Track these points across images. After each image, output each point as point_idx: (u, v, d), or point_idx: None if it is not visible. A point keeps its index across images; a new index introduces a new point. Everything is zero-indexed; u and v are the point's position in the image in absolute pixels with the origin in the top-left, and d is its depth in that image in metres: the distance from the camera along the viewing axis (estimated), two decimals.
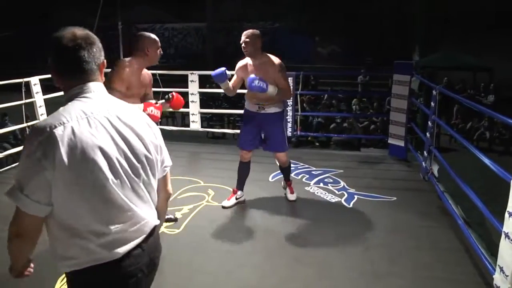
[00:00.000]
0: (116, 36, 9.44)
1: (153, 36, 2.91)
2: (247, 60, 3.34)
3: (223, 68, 3.31)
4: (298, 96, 5.64)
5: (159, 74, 5.75)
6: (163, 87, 5.91)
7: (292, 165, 4.73)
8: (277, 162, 3.71)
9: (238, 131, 7.49)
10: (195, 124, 5.75)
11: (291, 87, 3.31)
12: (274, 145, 3.47)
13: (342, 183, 4.20)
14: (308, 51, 17.29)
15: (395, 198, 3.82)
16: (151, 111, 2.86)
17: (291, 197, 3.71)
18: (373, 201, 3.78)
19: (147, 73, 3.03)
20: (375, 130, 7.97)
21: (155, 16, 20.15)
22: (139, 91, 2.95)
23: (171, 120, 10.06)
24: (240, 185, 3.64)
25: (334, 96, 9.97)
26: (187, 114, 6.32)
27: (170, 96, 3.12)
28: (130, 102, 2.83)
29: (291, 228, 3.24)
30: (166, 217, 3.36)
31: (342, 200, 3.79)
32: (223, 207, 3.56)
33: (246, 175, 3.63)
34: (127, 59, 2.89)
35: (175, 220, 3.34)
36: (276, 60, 3.27)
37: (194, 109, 5.69)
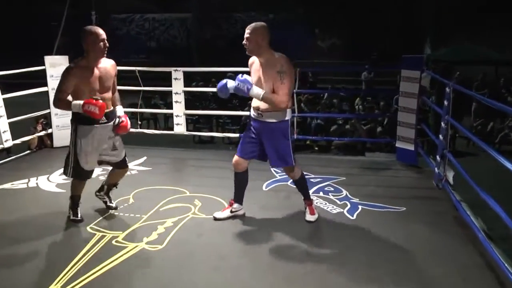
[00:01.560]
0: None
1: (93, 29, 3.16)
2: (255, 58, 3.29)
3: (244, 77, 3.18)
4: (295, 95, 5.66)
5: (139, 72, 5.78)
6: (144, 86, 5.94)
7: None
8: None
9: (229, 134, 7.60)
10: (180, 127, 5.75)
11: (288, 96, 3.13)
12: (272, 158, 3.36)
13: (345, 192, 4.22)
14: (306, 45, 17.37)
15: (404, 209, 3.84)
16: (89, 108, 3.07)
17: (310, 217, 3.55)
18: (379, 212, 3.79)
19: (109, 65, 3.30)
20: (381, 132, 8.02)
21: (134, 5, 20.17)
22: (103, 89, 3.22)
23: (153, 122, 10.05)
24: (237, 197, 3.60)
25: (335, 95, 10.03)
26: (171, 116, 6.32)
27: (120, 121, 3.41)
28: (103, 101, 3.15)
29: (285, 242, 3.24)
30: (108, 203, 3.70)
31: (345, 211, 3.80)
32: (215, 219, 3.56)
33: (243, 186, 3.56)
34: (75, 61, 3.21)
35: (115, 208, 3.65)
36: (279, 60, 3.14)
37: (179, 110, 5.69)
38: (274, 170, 4.86)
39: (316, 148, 8.02)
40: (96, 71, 3.22)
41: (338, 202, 3.99)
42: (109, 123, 3.38)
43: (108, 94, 3.33)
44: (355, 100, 10.04)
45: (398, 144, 5.20)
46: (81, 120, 3.26)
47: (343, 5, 16.17)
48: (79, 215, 3.55)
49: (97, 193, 3.77)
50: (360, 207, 3.88)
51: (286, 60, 3.15)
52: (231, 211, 3.59)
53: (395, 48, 12.41)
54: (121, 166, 3.60)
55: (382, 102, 8.88)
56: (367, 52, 15.57)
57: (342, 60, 16.02)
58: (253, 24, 3.20)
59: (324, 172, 4.78)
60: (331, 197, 4.11)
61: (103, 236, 3.28)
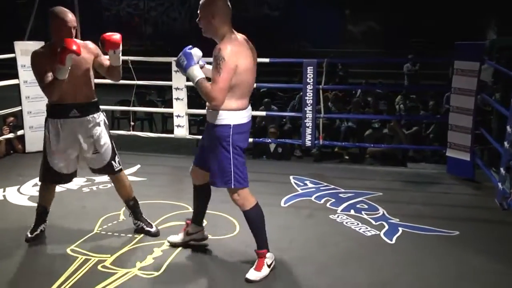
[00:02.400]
0: (70, 7, 9.58)
1: (60, 13, 3.26)
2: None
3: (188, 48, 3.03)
4: (321, 92, 5.69)
5: (132, 62, 5.86)
6: (138, 79, 6.02)
7: (313, 185, 4.81)
8: None
9: None
10: (181, 130, 5.80)
11: (220, 92, 2.86)
12: (211, 173, 3.14)
13: (381, 211, 4.22)
14: (335, 30, 17.36)
15: (457, 233, 3.83)
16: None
17: (251, 274, 3.11)
18: (424, 236, 3.78)
19: (85, 47, 3.38)
20: (427, 138, 7.98)
21: None
22: (75, 78, 3.30)
23: (148, 123, 10.14)
24: (194, 215, 3.52)
25: (370, 92, 10.00)
26: (170, 116, 6.38)
27: (102, 43, 3.33)
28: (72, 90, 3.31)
29: (307, 270, 3.25)
30: (146, 228, 3.70)
31: (381, 234, 3.80)
32: (169, 243, 3.53)
33: (202, 201, 3.44)
34: (39, 48, 3.37)
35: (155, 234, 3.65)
36: (223, 42, 2.94)
37: (180, 110, 5.75)
38: (295, 183, 4.89)
39: (347, 157, 8.00)
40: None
41: (374, 222, 3.99)
42: (83, 118, 3.43)
43: (82, 85, 3.40)
44: (395, 98, 10.00)
45: (450, 153, 5.17)
46: (51, 113, 3.42)
47: None
48: (34, 233, 3.61)
49: (134, 223, 3.79)
50: (400, 229, 3.87)
51: (232, 43, 2.93)
52: (188, 233, 3.53)
53: (446, 33, 12.32)
54: (107, 172, 3.64)
55: (431, 101, 8.83)
56: (411, 39, 15.48)
57: (379, 49, 15.94)
58: None
59: (356, 186, 4.78)
60: (365, 216, 4.11)
61: (87, 260, 3.33)
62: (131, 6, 21.08)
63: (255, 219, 3.16)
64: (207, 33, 3.04)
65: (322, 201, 4.45)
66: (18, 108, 5.84)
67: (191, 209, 4.03)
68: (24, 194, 4.58)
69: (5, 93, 5.85)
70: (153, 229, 3.72)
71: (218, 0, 3.00)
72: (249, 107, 3.13)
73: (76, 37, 3.30)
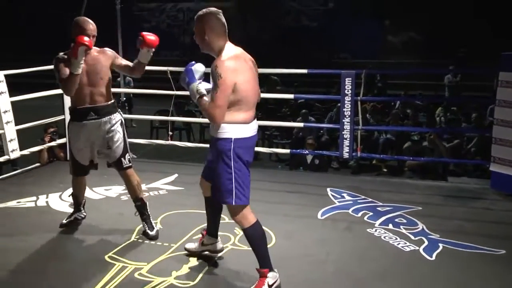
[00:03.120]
0: (113, 18, 9.80)
1: (81, 22, 3.57)
2: None
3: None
4: (359, 103, 5.65)
5: (171, 72, 5.93)
6: (176, 89, 6.08)
7: (350, 198, 4.77)
8: None
9: (277, 150, 7.62)
10: None
11: (217, 109, 2.84)
12: (212, 186, 3.18)
13: (421, 226, 4.14)
14: (374, 40, 17.25)
15: (503, 252, 3.71)
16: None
17: None
18: (467, 254, 3.69)
19: (102, 55, 3.70)
20: (469, 152, 7.81)
21: None
22: (92, 82, 3.63)
23: (186, 133, 10.28)
24: (208, 227, 3.47)
25: (409, 104, 9.89)
26: (207, 125, 6.41)
27: (140, 40, 3.58)
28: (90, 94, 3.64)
29: (344, 285, 3.21)
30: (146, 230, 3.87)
31: (421, 250, 3.72)
32: (185, 249, 3.57)
33: (214, 214, 3.42)
34: (61, 54, 3.65)
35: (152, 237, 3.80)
36: (218, 59, 2.91)
37: None
38: (332, 195, 4.85)
39: (385, 170, 7.95)
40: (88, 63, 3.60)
41: (413, 237, 3.91)
42: (100, 119, 3.70)
43: (100, 89, 3.69)
44: (435, 110, 9.87)
45: (494, 168, 5.05)
46: (72, 117, 3.78)
47: None
48: (68, 220, 4.05)
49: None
50: (441, 245, 3.78)
51: (229, 59, 2.89)
52: (203, 244, 3.51)
53: (490, 43, 12.08)
54: (117, 167, 3.84)
55: (474, 114, 8.66)
56: (452, 49, 15.22)
57: (419, 60, 15.76)
58: (199, 12, 3.01)
59: (394, 200, 4.71)
60: (403, 231, 4.04)
61: (124, 267, 3.37)
62: (171, 17, 21.51)
63: (254, 238, 3.07)
64: (203, 49, 3.04)
65: (360, 214, 4.40)
66: (61, 117, 5.98)
67: (227, 219, 4.05)
68: (65, 200, 4.68)
69: (50, 102, 6.02)
70: (152, 232, 3.84)
71: (209, 15, 2.96)
72: (254, 122, 3.05)
73: (94, 45, 3.59)
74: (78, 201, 4.08)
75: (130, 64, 3.75)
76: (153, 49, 3.62)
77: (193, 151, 6.22)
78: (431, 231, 4.01)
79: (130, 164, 3.84)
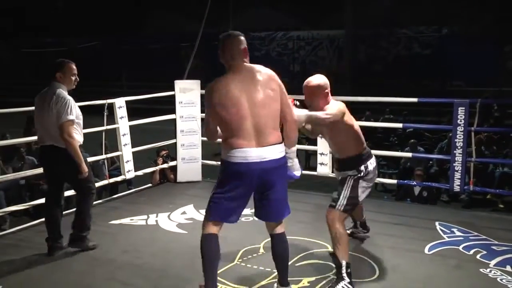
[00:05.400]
0: None
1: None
2: None
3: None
4: (473, 134, 5.40)
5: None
6: None
7: (461, 234, 4.55)
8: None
9: (383, 180, 7.43)
10: (324, 168, 5.83)
11: (206, 127, 3.17)
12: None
13: None
14: (491, 67, 16.47)
15: None
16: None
17: None
18: None
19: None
20: None
21: (276, 21, 21.36)
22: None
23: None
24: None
25: None
26: (314, 153, 6.45)
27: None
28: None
29: None
30: None
31: None
32: None
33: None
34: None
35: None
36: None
37: (324, 148, 5.79)
38: (441, 229, 4.65)
39: (501, 206, 7.54)
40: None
41: None
42: None
43: None
44: None
45: None
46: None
47: None
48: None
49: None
50: None
51: (218, 80, 2.97)
52: None
53: None
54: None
55: None
56: None
57: None
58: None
59: None
60: None
61: None
62: (281, 45, 21.98)
63: (201, 248, 3.09)
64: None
65: (472, 252, 4.15)
66: (173, 141, 6.31)
67: (330, 248, 4.03)
68: (173, 220, 4.91)
69: (164, 126, 6.38)
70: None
71: (226, 36, 3.06)
72: (248, 149, 2.91)
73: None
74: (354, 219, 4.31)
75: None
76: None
77: (299, 178, 6.24)
78: None
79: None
